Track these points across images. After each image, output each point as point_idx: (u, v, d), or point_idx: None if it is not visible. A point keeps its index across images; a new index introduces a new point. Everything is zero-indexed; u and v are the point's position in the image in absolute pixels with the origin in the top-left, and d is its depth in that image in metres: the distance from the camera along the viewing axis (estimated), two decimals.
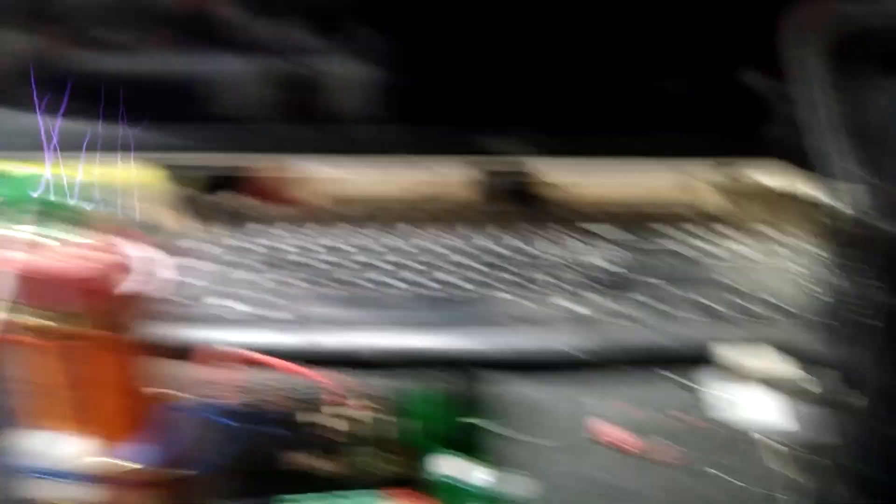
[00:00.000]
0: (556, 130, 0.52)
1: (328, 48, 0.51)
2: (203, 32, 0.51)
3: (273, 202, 0.61)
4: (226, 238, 0.51)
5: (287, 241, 0.51)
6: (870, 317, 0.21)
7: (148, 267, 0.28)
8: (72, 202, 0.28)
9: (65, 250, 0.27)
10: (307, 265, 0.48)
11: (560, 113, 0.52)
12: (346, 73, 0.52)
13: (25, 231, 0.27)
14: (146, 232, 0.29)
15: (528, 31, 0.50)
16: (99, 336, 0.27)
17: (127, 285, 0.27)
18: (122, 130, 0.28)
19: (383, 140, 0.53)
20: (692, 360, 0.41)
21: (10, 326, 0.27)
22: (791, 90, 0.24)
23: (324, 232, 0.52)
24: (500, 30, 0.50)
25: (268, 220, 0.54)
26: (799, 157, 0.51)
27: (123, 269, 0.27)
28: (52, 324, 0.26)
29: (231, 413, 0.34)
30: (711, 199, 0.66)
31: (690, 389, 0.40)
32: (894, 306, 0.20)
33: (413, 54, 0.51)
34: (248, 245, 0.50)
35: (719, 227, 0.54)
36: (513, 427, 0.36)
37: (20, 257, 0.26)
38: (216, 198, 0.61)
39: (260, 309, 0.43)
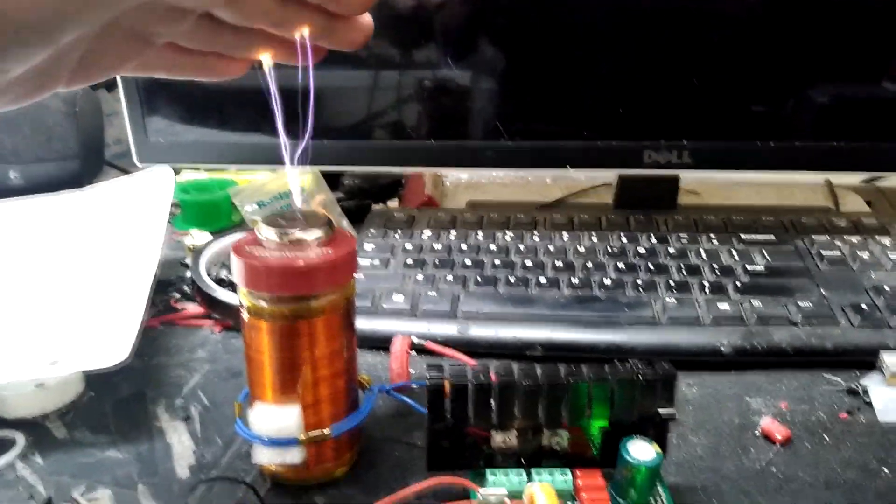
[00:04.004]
0: (707, 142, 0.53)
1: (471, 67, 0.54)
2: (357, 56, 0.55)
3: (418, 207, 0.65)
4: (380, 240, 0.55)
5: (439, 241, 0.54)
6: None
7: (355, 260, 0.32)
8: (292, 204, 0.32)
9: (293, 247, 0.30)
10: (458, 264, 0.50)
11: (712, 124, 0.53)
12: (491, 89, 0.54)
13: (262, 231, 0.31)
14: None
15: (677, 43, 0.51)
16: (321, 320, 0.31)
17: (343, 276, 0.31)
18: (288, 143, 0.32)
19: (534, 153, 0.55)
20: (854, 363, 0.41)
21: (246, 311, 0.31)
22: None
23: (474, 234, 0.55)
24: (650, 43, 0.52)
25: (420, 224, 0.57)
26: None
27: (344, 261, 0.30)
28: (282, 308, 0.30)
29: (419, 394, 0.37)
30: (855, 205, 0.65)
31: (853, 391, 0.39)
32: None
33: (565, 68, 0.53)
34: (401, 245, 0.53)
35: (868, 233, 0.53)
36: (680, 421, 0.37)
37: (255, 251, 0.30)
38: (366, 203, 0.65)
39: (420, 302, 0.46)
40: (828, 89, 0.52)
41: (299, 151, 0.32)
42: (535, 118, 0.54)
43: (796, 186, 0.68)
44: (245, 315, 0.31)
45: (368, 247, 0.54)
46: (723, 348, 0.42)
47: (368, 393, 0.35)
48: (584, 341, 0.43)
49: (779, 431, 0.36)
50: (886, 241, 0.51)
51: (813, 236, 0.52)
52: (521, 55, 0.53)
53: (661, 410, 0.30)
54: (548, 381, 0.30)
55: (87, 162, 0.67)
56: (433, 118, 0.56)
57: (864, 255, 0.49)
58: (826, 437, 0.36)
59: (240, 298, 0.31)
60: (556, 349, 0.43)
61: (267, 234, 0.31)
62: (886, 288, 0.45)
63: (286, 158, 0.31)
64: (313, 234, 0.31)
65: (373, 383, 0.36)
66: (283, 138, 0.31)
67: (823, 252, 0.50)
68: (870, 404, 0.39)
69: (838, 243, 0.51)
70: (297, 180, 0.33)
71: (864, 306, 0.43)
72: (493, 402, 0.30)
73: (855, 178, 0.67)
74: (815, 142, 0.53)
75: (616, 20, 0.51)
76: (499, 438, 0.31)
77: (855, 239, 0.51)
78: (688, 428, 0.37)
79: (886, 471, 0.34)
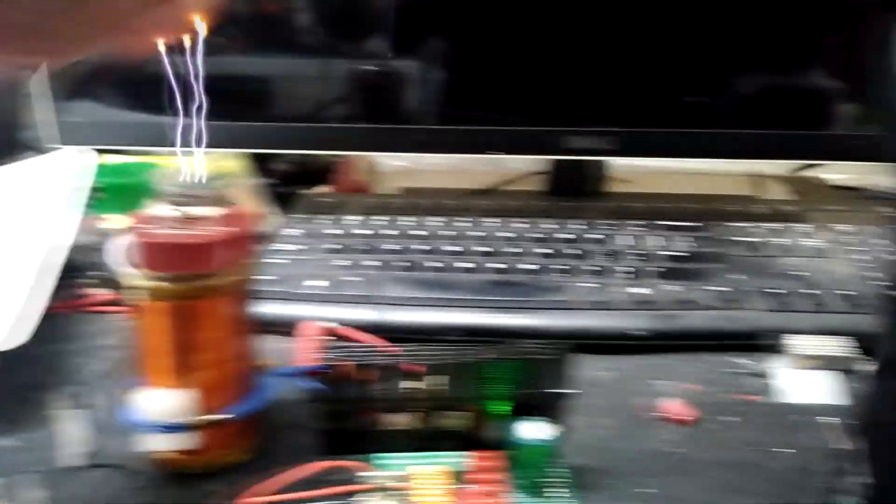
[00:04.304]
0: (633, 129, 0.54)
1: (404, 50, 0.53)
2: (282, 37, 0.54)
3: (349, 192, 0.64)
4: (305, 224, 0.54)
5: (364, 227, 0.53)
6: None
7: (255, 240, 0.31)
8: (191, 184, 0.31)
9: (187, 223, 0.29)
10: (381, 249, 0.50)
11: (638, 112, 0.54)
12: (419, 73, 0.54)
13: (157, 209, 0.30)
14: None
15: (605, 29, 0.52)
16: (213, 301, 0.30)
17: (239, 255, 0.30)
18: (200, 125, 0.31)
19: (456, 138, 0.55)
20: (759, 346, 0.42)
21: (133, 292, 0.30)
22: (873, 92, 0.25)
23: (399, 220, 0.54)
24: (577, 28, 0.52)
25: (343, 209, 0.57)
26: (874, 156, 0.51)
27: (239, 240, 0.29)
28: (171, 286, 0.29)
29: (316, 377, 0.37)
30: (780, 194, 0.66)
31: (756, 373, 0.40)
32: None
33: (488, 54, 0.53)
34: (325, 231, 0.53)
35: (787, 221, 0.54)
36: (585, 404, 0.38)
37: (149, 229, 0.29)
38: (296, 188, 0.64)
39: (338, 288, 0.46)
40: (754, 78, 0.53)
41: (194, 132, 0.31)
42: (462, 103, 0.54)
43: (724, 175, 0.69)
44: (134, 294, 0.30)
45: (293, 231, 0.53)
46: (637, 332, 0.42)
47: (269, 378, 0.34)
48: (501, 325, 0.43)
49: (684, 413, 0.37)
50: (802, 227, 0.52)
51: (733, 223, 0.53)
52: (447, 38, 0.53)
53: (560, 391, 0.30)
54: (445, 362, 0.29)
55: (2, 143, 0.64)
56: (358, 102, 0.55)
57: (780, 241, 0.50)
58: (730, 418, 0.37)
59: (129, 278, 0.30)
60: (474, 333, 0.43)
61: (161, 210, 0.30)
62: (797, 273, 0.46)
63: (177, 139, 0.31)
64: (209, 212, 0.30)
65: (277, 368, 0.35)
66: (180, 119, 0.30)
67: (741, 238, 0.50)
68: (775, 387, 0.39)
69: (757, 230, 0.52)
70: (200, 160, 0.32)
71: (774, 291, 0.44)
72: (388, 385, 0.30)
73: (781, 167, 0.68)
74: (740, 130, 0.54)
75: (542, 4, 0.51)
76: (395, 421, 0.30)
77: (773, 226, 0.52)
78: (596, 410, 0.37)
79: (785, 451, 0.35)
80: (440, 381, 0.30)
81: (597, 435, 0.36)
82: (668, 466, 0.34)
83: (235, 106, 0.56)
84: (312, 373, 0.37)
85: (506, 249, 0.50)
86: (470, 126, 0.54)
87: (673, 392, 0.39)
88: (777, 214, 0.55)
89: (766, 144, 0.54)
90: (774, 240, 0.50)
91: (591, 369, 0.41)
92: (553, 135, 0.53)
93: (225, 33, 0.53)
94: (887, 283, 0.24)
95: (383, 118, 0.55)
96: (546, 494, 0.30)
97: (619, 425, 0.36)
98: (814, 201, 0.62)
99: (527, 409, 0.31)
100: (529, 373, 0.30)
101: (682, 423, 0.37)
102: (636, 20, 0.51)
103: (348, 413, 0.30)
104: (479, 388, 0.30)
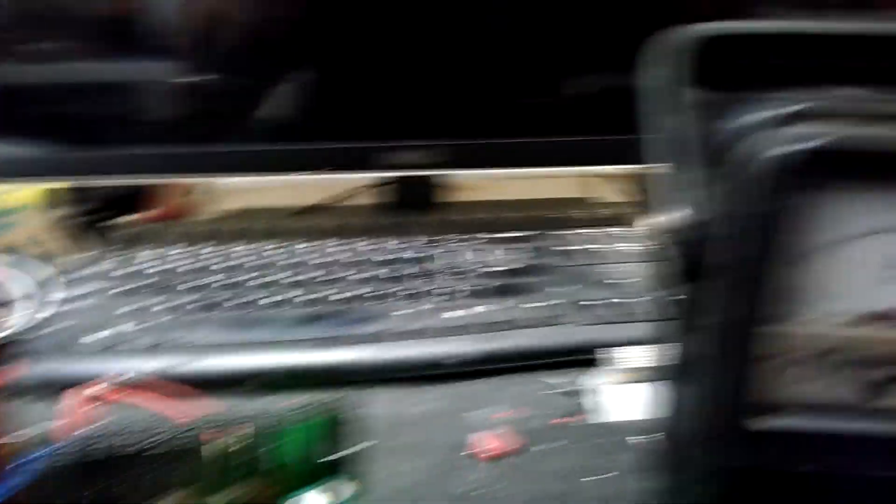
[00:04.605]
0: (459, 141, 0.51)
1: (223, 67, 0.49)
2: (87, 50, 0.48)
3: (167, 221, 0.58)
4: (114, 262, 0.48)
5: (177, 262, 0.48)
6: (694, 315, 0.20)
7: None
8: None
9: None
10: (196, 288, 0.45)
11: (463, 124, 0.51)
12: (242, 91, 0.49)
13: None
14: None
15: (422, 41, 0.49)
16: None
17: None
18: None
19: (286, 157, 0.51)
20: (576, 361, 0.41)
21: None
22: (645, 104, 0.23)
23: (216, 251, 0.50)
24: (395, 41, 0.49)
25: (160, 241, 0.52)
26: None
27: None
28: None
29: (82, 453, 0.32)
30: (610, 200, 0.66)
31: (572, 392, 0.39)
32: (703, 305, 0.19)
33: (313, 72, 0.49)
34: (135, 268, 0.47)
35: (613, 228, 0.53)
36: (391, 447, 0.35)
37: None
38: (106, 220, 0.58)
39: (141, 337, 0.41)
40: (577, 84, 0.52)
41: None
42: (278, 121, 0.50)
43: (572, 177, 0.68)
44: None
45: (78, 275, 0.47)
46: (448, 360, 0.40)
47: (21, 460, 0.29)
48: (305, 365, 0.39)
49: (492, 447, 0.35)
50: (621, 231, 0.52)
51: (555, 231, 0.52)
52: (257, 53, 0.49)
53: (335, 455, 0.27)
54: (181, 445, 0.26)
55: None
56: (155, 124, 0.50)
57: (598, 247, 0.49)
58: (540, 446, 0.35)
59: None
60: (274, 377, 0.39)
61: None
62: (614, 281, 0.45)
63: None
64: None
65: (34, 448, 0.30)
66: None
67: (561, 247, 0.49)
68: (592, 405, 0.38)
69: (578, 237, 0.51)
70: None
71: (590, 302, 0.43)
72: (122, 474, 0.25)
73: (612, 172, 0.68)
74: (562, 137, 0.52)
75: (355, 18, 0.48)
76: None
77: (594, 231, 0.51)
78: (399, 455, 0.35)
79: (591, 479, 0.33)
80: (217, 450, 0.26)
81: (400, 484, 0.33)
82: None
83: (21, 131, 0.50)
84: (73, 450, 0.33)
85: (316, 277, 0.46)
86: (289, 146, 0.50)
87: (487, 424, 0.37)
88: (598, 219, 0.54)
89: (595, 150, 0.53)
90: (592, 245, 0.49)
91: (399, 406, 0.38)
92: (378, 151, 0.50)
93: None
94: (664, 290, 0.22)
95: (196, 140, 0.50)
96: None
97: (427, 469, 0.34)
98: (641, 202, 0.62)
99: (309, 477, 0.28)
100: (316, 433, 0.27)
101: (495, 457, 0.34)
102: (454, 36, 0.49)
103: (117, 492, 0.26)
104: (241, 467, 0.27)
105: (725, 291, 0.18)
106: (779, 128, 0.17)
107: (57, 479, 0.29)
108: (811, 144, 0.16)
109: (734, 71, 0.20)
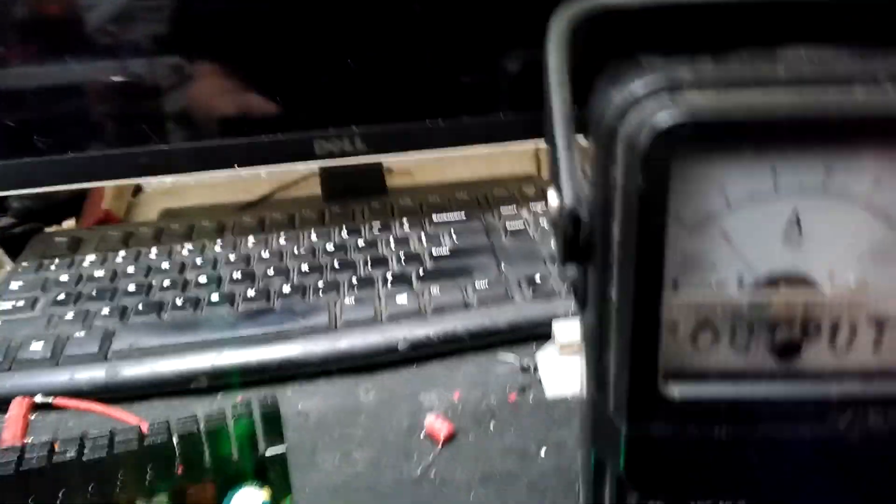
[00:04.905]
0: (383, 125, 0.51)
1: (149, 64, 0.47)
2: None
3: (93, 225, 0.57)
4: (31, 274, 0.47)
5: (118, 265, 0.47)
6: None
7: None
8: None
9: None
10: (120, 292, 0.44)
11: (378, 107, 0.50)
12: (168, 86, 0.48)
13: None
14: None
15: (334, 27, 0.48)
16: None
17: None
18: None
19: (216, 153, 0.50)
20: (530, 338, 0.41)
21: None
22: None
23: (146, 253, 0.49)
24: (309, 30, 0.48)
25: (100, 246, 0.50)
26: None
27: None
28: None
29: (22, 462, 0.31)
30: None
31: (525, 369, 0.39)
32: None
33: (237, 66, 0.48)
34: (75, 274, 0.46)
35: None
36: (345, 435, 0.35)
37: None
38: (28, 228, 0.56)
39: (84, 343, 0.40)
40: (485, 65, 0.51)
41: None
42: (191, 118, 0.49)
43: (506, 155, 0.68)
44: None
45: (14, 285, 0.46)
46: (399, 344, 0.40)
47: None
48: (253, 362, 0.39)
49: (442, 429, 0.35)
50: None
51: (502, 209, 0.52)
52: (175, 49, 0.47)
53: (269, 452, 0.26)
54: (123, 449, 0.25)
55: None
56: (83, 127, 0.48)
57: (544, 223, 0.49)
58: (491, 425, 0.35)
59: None
60: (223, 376, 0.39)
61: None
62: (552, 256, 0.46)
63: None
64: None
65: None
66: None
67: (508, 225, 0.49)
68: (540, 380, 0.38)
69: (523, 214, 0.51)
70: None
71: (538, 278, 0.43)
72: (63, 482, 0.25)
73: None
74: (483, 116, 0.51)
75: (272, 10, 0.47)
76: None
77: (539, 207, 0.52)
78: (354, 443, 0.35)
79: (543, 454, 0.33)
80: (159, 449, 0.25)
81: (351, 472, 0.33)
82: (424, 495, 0.31)
83: None
84: None
85: (261, 271, 0.46)
86: (214, 142, 0.49)
87: (437, 405, 0.37)
88: (543, 194, 0.55)
89: (518, 126, 0.53)
90: (538, 221, 0.50)
91: (353, 394, 0.38)
92: (298, 141, 0.49)
93: None
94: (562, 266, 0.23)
95: (126, 142, 0.49)
96: None
97: (379, 456, 0.34)
98: None
99: (244, 477, 0.27)
100: (231, 439, 0.26)
101: (448, 437, 0.34)
102: (364, 16, 0.48)
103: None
104: (168, 470, 0.26)
105: (615, 265, 0.18)
106: (657, 99, 0.17)
107: None
108: (688, 115, 0.16)
109: (619, 43, 0.20)
